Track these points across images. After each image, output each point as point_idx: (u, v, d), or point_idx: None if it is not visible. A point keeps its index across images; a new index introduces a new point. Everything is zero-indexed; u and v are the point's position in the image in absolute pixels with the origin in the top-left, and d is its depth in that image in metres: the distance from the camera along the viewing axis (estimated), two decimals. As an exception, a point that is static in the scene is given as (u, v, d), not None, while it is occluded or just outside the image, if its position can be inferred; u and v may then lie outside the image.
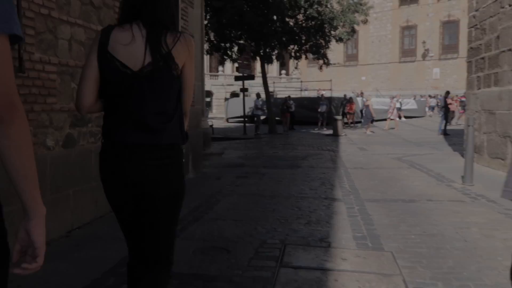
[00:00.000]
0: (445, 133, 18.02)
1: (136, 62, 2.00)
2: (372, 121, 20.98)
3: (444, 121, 18.49)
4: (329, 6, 20.50)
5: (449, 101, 19.76)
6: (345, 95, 26.41)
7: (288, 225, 5.05)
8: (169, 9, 2.15)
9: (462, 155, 10.80)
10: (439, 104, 36.23)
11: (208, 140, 10.02)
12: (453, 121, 24.37)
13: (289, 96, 25.32)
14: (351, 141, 17.02)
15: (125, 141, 2.04)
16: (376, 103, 29.81)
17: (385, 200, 6.40)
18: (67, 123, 4.72)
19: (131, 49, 2.01)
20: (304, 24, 20.75)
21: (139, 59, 2.00)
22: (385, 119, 29.15)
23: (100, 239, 4.50)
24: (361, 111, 24.38)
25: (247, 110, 23.07)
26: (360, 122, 26.39)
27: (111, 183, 2.11)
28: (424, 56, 50.56)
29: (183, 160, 2.17)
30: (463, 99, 25.80)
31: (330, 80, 31.95)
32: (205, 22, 20.89)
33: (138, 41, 2.01)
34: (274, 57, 21.55)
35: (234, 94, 40.52)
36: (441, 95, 42.20)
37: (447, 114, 18.72)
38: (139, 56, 2.00)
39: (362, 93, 30.43)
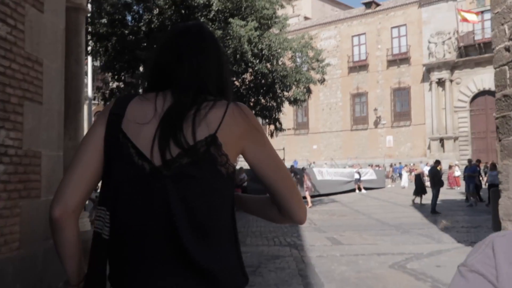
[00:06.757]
0: (434, 210, 14.56)
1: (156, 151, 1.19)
2: (424, 193, 17.54)
3: (435, 197, 15.00)
4: (280, 62, 17.44)
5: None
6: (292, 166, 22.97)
7: None
8: (219, 69, 1.36)
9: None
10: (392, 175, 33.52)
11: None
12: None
13: (241, 168, 21.59)
14: (314, 225, 13.23)
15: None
16: (334, 174, 26.68)
17: None
18: None
19: (150, 131, 1.20)
20: (252, 84, 17.49)
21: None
22: (340, 192, 25.80)
23: None
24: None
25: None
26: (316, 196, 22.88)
27: None
28: (376, 123, 48.78)
29: None
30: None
31: (283, 149, 28.60)
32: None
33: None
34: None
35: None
36: (396, 164, 40.06)
37: (439, 187, 15.26)
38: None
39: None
